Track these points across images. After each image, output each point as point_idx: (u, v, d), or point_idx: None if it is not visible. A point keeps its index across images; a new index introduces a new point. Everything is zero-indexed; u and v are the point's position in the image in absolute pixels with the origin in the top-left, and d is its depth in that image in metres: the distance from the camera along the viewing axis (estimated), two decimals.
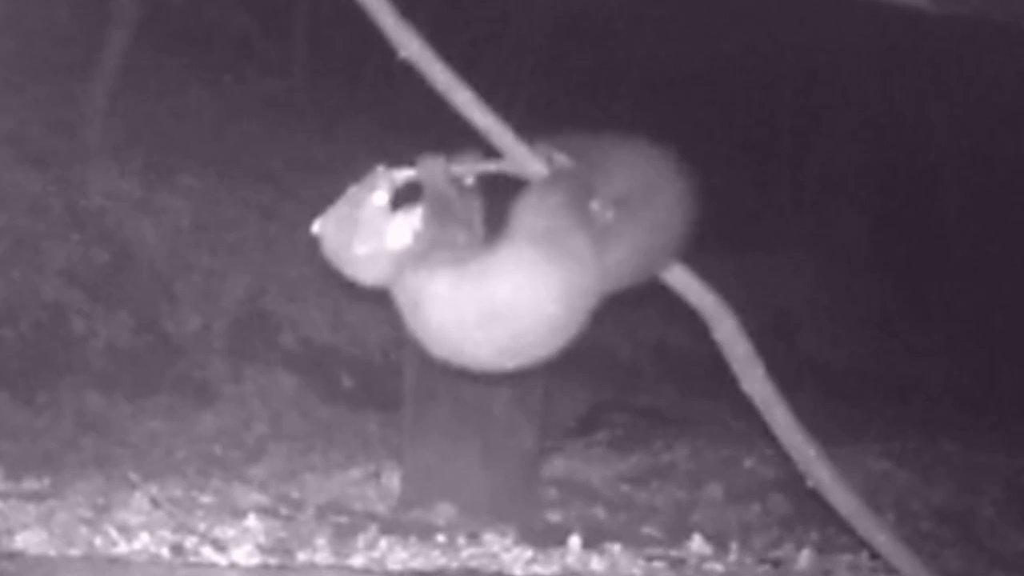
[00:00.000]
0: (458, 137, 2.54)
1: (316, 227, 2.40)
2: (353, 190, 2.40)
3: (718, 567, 4.20)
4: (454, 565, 3.99)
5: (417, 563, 3.98)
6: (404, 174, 2.42)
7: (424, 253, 2.32)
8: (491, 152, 2.50)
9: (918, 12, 3.45)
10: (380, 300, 2.42)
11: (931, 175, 11.63)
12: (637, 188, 2.40)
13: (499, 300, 2.23)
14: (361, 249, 2.36)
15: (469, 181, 2.46)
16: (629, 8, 10.11)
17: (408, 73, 2.54)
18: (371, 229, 2.36)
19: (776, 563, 4.31)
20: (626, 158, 2.45)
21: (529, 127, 2.57)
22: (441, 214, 2.37)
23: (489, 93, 2.55)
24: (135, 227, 7.20)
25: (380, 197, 2.38)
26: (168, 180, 7.66)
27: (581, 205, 2.35)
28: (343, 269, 2.40)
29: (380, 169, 2.41)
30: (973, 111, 10.46)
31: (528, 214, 2.31)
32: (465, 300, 2.25)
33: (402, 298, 2.33)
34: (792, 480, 3.19)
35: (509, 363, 2.31)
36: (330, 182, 2.59)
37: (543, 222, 2.28)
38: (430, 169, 2.42)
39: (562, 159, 2.43)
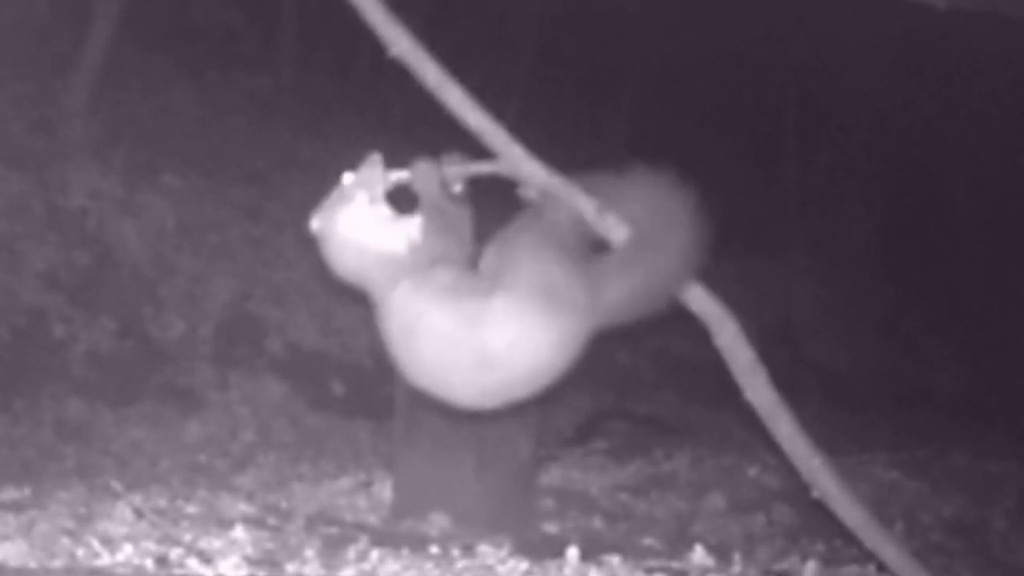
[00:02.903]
0: (450, 137, 2.49)
1: (314, 224, 2.35)
2: (347, 181, 2.35)
3: None
4: None
5: (409, 575, 3.88)
6: (396, 176, 2.36)
7: (420, 267, 2.28)
8: (484, 148, 2.45)
9: (927, 7, 3.41)
10: (370, 304, 2.36)
11: (941, 176, 11.62)
12: (646, 224, 2.39)
13: (495, 349, 2.24)
14: (350, 242, 2.31)
15: (458, 188, 2.40)
16: (628, 3, 10.06)
17: (399, 70, 2.49)
18: (364, 223, 2.32)
19: (781, 575, 4.24)
20: (636, 192, 2.43)
21: (523, 127, 2.52)
22: (438, 226, 2.33)
23: (482, 92, 2.50)
24: (117, 228, 7.18)
25: (375, 187, 2.33)
26: (151, 180, 7.62)
27: (579, 247, 2.35)
28: (333, 264, 2.36)
29: (375, 157, 2.37)
30: (984, 109, 10.44)
31: (528, 261, 2.28)
32: (462, 342, 2.24)
33: (393, 317, 2.29)
34: (797, 490, 3.13)
35: (491, 404, 2.34)
36: (318, 182, 2.53)
37: (542, 275, 2.26)
38: (423, 174, 2.36)
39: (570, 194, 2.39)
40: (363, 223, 2.32)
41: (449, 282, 2.27)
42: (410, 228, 2.33)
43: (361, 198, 2.32)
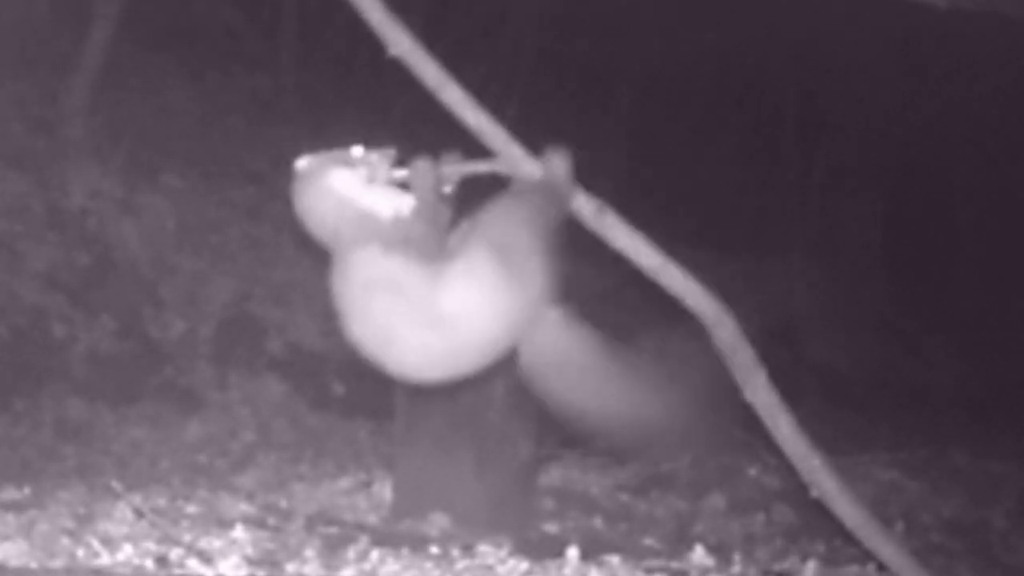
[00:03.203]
0: (450, 136, 2.49)
1: (301, 164, 2.38)
2: (355, 152, 2.37)
3: None
4: None
5: (410, 575, 3.88)
6: (396, 175, 2.38)
7: (395, 239, 2.30)
8: (481, 152, 2.46)
9: (927, 7, 3.42)
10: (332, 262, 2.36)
11: (942, 175, 11.60)
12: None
13: (446, 310, 2.24)
14: (336, 193, 2.33)
15: (448, 189, 2.42)
16: (628, 3, 10.04)
17: (399, 70, 2.50)
18: (356, 181, 2.34)
19: (781, 575, 4.23)
20: None
21: (522, 126, 2.52)
22: (426, 217, 2.35)
23: (482, 92, 2.52)
24: (117, 228, 7.18)
25: (376, 172, 2.35)
26: (151, 180, 7.61)
27: (550, 220, 2.36)
28: (308, 211, 2.37)
29: (391, 151, 2.39)
30: (985, 109, 10.42)
31: (487, 226, 2.30)
32: (416, 301, 2.24)
33: (354, 272, 2.30)
34: (797, 490, 3.13)
35: (432, 372, 2.32)
36: None
37: (499, 238, 2.28)
38: (421, 173, 2.38)
39: (558, 162, 2.42)
40: (356, 181, 2.34)
41: (417, 253, 2.29)
42: (401, 203, 2.35)
43: (360, 171, 2.35)
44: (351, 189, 2.33)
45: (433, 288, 2.25)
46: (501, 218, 2.32)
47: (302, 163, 2.38)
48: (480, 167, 2.44)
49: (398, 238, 2.30)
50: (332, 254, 2.37)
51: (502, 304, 2.26)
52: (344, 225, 2.33)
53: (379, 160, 2.37)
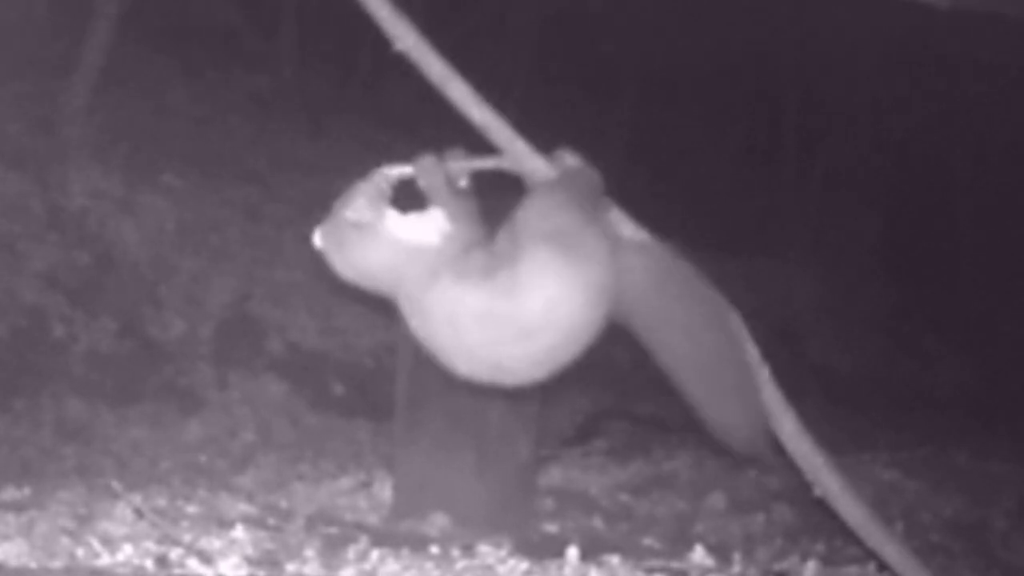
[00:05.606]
0: (452, 134, 2.49)
1: (317, 239, 2.33)
2: (350, 193, 2.32)
3: None
4: None
5: (409, 575, 3.87)
6: (399, 172, 2.36)
7: (455, 255, 2.28)
8: (484, 148, 2.46)
9: (928, 7, 3.42)
10: (371, 304, 2.33)
11: (942, 176, 11.61)
12: None
13: (532, 314, 2.24)
14: (373, 254, 2.30)
15: (463, 183, 2.39)
16: (628, 3, 10.05)
17: (400, 68, 2.50)
18: (395, 224, 2.31)
19: (781, 575, 4.22)
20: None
21: (523, 126, 2.52)
22: (457, 213, 2.34)
23: (484, 88, 2.50)
24: (117, 228, 7.18)
25: (382, 200, 2.32)
26: (151, 180, 7.61)
27: (589, 201, 2.36)
28: (353, 277, 2.33)
29: (382, 171, 2.35)
30: (986, 109, 10.43)
31: (536, 219, 2.29)
32: (501, 317, 2.24)
33: (436, 310, 2.28)
34: (798, 490, 3.13)
35: (542, 373, 2.33)
36: (318, 182, 2.51)
37: (552, 224, 2.27)
38: (427, 169, 2.36)
39: (572, 160, 2.43)
40: (394, 224, 2.31)
41: (484, 263, 2.28)
42: (436, 219, 2.33)
43: (374, 195, 2.31)
44: (399, 230, 2.30)
45: (511, 300, 2.24)
46: (540, 209, 2.31)
47: (319, 237, 2.32)
48: (486, 163, 2.43)
49: (457, 253, 2.28)
50: (396, 302, 2.32)
51: (579, 287, 2.26)
52: (404, 268, 2.29)
53: (373, 186, 2.33)
